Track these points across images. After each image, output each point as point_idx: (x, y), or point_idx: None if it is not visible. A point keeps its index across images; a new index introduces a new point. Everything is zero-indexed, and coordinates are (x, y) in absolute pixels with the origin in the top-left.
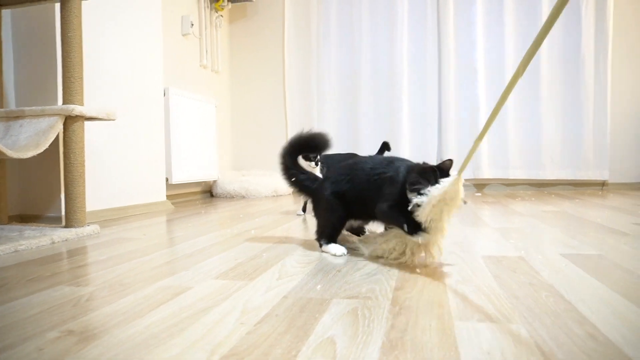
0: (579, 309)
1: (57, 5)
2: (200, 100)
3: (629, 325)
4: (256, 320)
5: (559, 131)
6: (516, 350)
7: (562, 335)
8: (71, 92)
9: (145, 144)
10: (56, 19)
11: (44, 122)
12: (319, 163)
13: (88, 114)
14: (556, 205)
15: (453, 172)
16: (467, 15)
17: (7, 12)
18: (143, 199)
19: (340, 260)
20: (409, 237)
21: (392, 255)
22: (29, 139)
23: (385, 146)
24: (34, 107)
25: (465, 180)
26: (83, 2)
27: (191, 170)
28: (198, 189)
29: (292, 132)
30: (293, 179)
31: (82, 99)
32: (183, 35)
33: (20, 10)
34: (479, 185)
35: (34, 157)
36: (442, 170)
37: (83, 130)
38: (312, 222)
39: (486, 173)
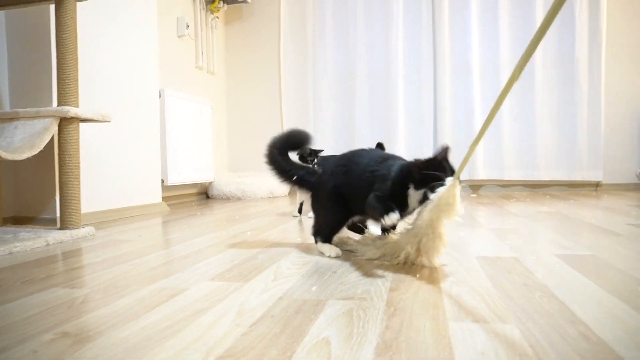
0: (572, 309)
1: (52, 7)
2: (196, 101)
3: (622, 325)
4: (252, 321)
5: (553, 132)
6: (510, 350)
7: (555, 335)
8: (66, 94)
9: (141, 145)
10: (51, 20)
11: (38, 123)
12: (316, 165)
13: (83, 115)
14: (551, 206)
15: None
16: (462, 16)
17: (1, 13)
18: (138, 201)
19: (336, 262)
20: (382, 221)
21: (388, 258)
22: (24, 141)
23: (379, 147)
24: (28, 109)
25: (461, 181)
26: (78, 3)
27: (187, 172)
28: (194, 190)
29: None
30: (294, 178)
31: (77, 101)
32: (179, 36)
33: (14, 11)
34: (474, 186)
35: (28, 158)
36: (440, 160)
37: (78, 132)
38: (308, 224)
39: (481, 174)
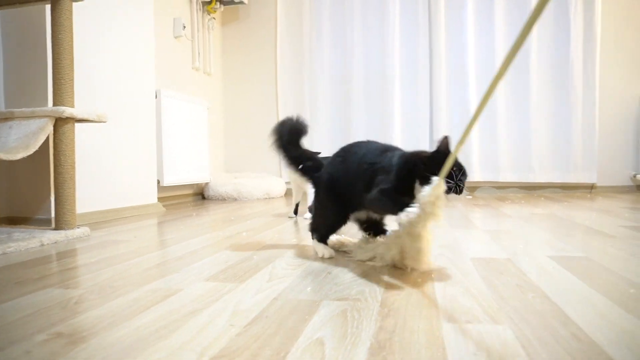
0: (564, 310)
1: (48, 7)
2: (193, 102)
3: (612, 325)
4: (246, 322)
5: (548, 135)
6: (502, 350)
7: (547, 335)
8: (62, 94)
9: (137, 146)
10: (47, 20)
11: (33, 123)
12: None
13: (79, 115)
14: (545, 207)
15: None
16: (458, 18)
17: None
18: (134, 201)
19: (331, 263)
20: (396, 217)
21: (377, 260)
22: (19, 141)
23: None
24: (23, 109)
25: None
26: (74, 3)
27: (183, 173)
28: (190, 191)
29: None
30: (300, 167)
31: (72, 101)
32: (175, 37)
33: (10, 11)
34: (470, 188)
35: (23, 159)
36: (442, 152)
37: (73, 132)
38: (303, 225)
39: (477, 176)
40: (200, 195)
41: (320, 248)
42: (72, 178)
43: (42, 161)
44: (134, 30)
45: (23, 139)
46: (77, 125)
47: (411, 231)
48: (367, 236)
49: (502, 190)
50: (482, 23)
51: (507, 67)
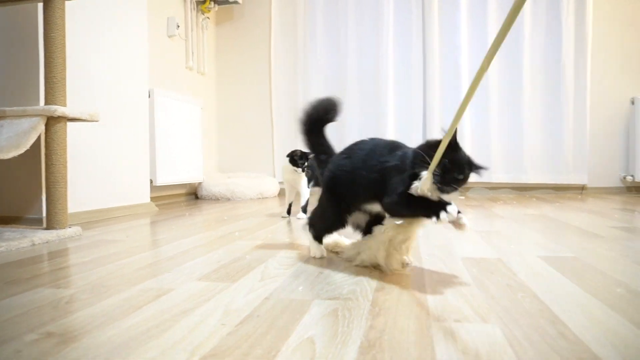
0: (552, 309)
1: (40, 5)
2: (186, 101)
3: (598, 324)
4: (237, 321)
5: (540, 136)
6: (490, 349)
7: (535, 334)
8: (53, 93)
9: (129, 145)
10: (39, 18)
11: (25, 122)
12: (306, 169)
13: (71, 114)
14: (537, 208)
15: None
16: (451, 20)
17: None
18: (127, 201)
19: (323, 262)
20: (435, 220)
21: (366, 261)
22: (10, 140)
23: None
24: (15, 108)
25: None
26: (67, 2)
27: (176, 172)
28: (183, 191)
29: (278, 135)
30: (309, 160)
31: (64, 100)
32: (169, 36)
33: (1, 9)
34: (463, 189)
35: (14, 158)
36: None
37: (65, 131)
38: (296, 225)
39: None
40: (194, 195)
41: (314, 247)
42: (64, 177)
43: (34, 160)
44: (127, 29)
45: (14, 138)
46: (69, 124)
47: (398, 229)
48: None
49: (494, 191)
50: (475, 25)
51: (490, 62)
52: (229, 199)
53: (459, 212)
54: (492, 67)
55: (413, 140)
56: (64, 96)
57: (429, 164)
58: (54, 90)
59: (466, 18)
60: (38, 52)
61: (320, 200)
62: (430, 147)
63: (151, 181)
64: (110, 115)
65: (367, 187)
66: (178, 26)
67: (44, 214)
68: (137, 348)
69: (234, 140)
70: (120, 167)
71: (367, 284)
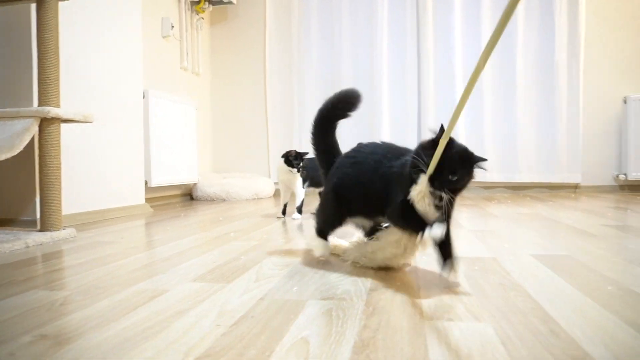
0: (545, 307)
1: (34, 6)
2: (181, 102)
3: (589, 321)
4: (232, 322)
5: (534, 136)
6: (482, 347)
7: (527, 332)
8: (47, 94)
9: (124, 146)
10: (32, 19)
11: (18, 124)
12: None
13: (64, 116)
14: (531, 207)
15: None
16: (445, 20)
17: None
18: (121, 202)
19: (319, 263)
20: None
21: (368, 262)
22: (3, 141)
23: None
24: (8, 109)
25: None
26: (60, 2)
27: (171, 173)
28: (178, 191)
29: (272, 135)
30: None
31: (58, 101)
32: (163, 37)
33: None
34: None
35: (8, 159)
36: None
37: (59, 133)
38: (292, 225)
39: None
40: (189, 195)
41: (317, 245)
42: (58, 179)
43: (27, 162)
44: (121, 29)
45: (7, 140)
46: (63, 125)
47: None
48: (364, 238)
49: (489, 190)
50: (469, 25)
51: (485, 62)
52: (224, 200)
53: (451, 255)
54: (486, 66)
55: (408, 140)
56: (58, 97)
57: (422, 168)
58: (48, 91)
59: (460, 18)
60: (31, 52)
61: (325, 202)
62: (423, 148)
63: (146, 182)
64: (105, 116)
65: (375, 200)
66: (172, 27)
67: (38, 216)
68: (132, 349)
69: (229, 140)
70: (114, 168)
71: (362, 284)
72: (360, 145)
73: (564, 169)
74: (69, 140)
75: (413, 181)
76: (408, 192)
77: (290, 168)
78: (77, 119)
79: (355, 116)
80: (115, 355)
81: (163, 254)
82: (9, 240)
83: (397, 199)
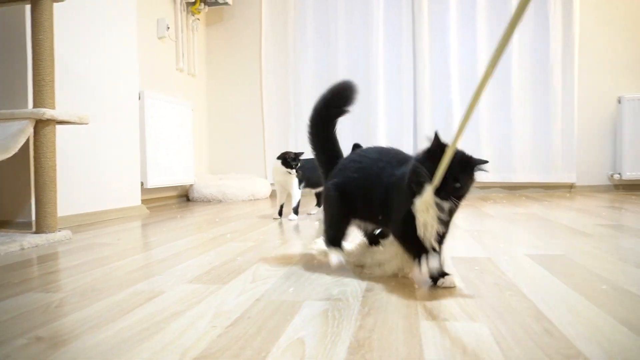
0: (539, 306)
1: (28, 7)
2: (177, 103)
3: (582, 320)
4: (228, 323)
5: (529, 136)
6: (477, 347)
7: (521, 331)
8: (42, 96)
9: (120, 147)
10: (27, 20)
11: (13, 125)
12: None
13: (59, 117)
14: (526, 207)
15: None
16: (441, 21)
17: None
18: (117, 204)
19: (315, 264)
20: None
21: (377, 269)
22: None
23: (356, 148)
24: (3, 111)
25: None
26: (55, 4)
27: (167, 174)
28: (174, 193)
29: (269, 136)
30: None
31: (53, 103)
32: (159, 38)
33: None
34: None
35: (3, 161)
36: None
37: (54, 134)
38: (288, 226)
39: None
40: (185, 197)
41: (332, 252)
42: (53, 181)
43: (23, 163)
44: (117, 31)
45: (3, 141)
46: (58, 127)
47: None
48: (367, 243)
49: (485, 190)
50: (464, 26)
51: (494, 69)
52: (220, 201)
53: (445, 273)
54: (483, 66)
55: (403, 141)
56: (53, 99)
57: (425, 179)
58: (43, 92)
59: (456, 18)
60: (26, 54)
61: (328, 201)
62: (420, 161)
63: (142, 183)
64: (100, 118)
65: (376, 207)
66: (168, 28)
67: (34, 218)
68: (128, 351)
69: (225, 141)
70: (110, 170)
71: (358, 285)
72: (364, 150)
73: (559, 169)
74: (65, 142)
75: (414, 194)
76: (411, 205)
77: (287, 169)
78: (72, 120)
79: (350, 116)
80: (112, 357)
81: (159, 255)
82: (4, 242)
83: (400, 213)
